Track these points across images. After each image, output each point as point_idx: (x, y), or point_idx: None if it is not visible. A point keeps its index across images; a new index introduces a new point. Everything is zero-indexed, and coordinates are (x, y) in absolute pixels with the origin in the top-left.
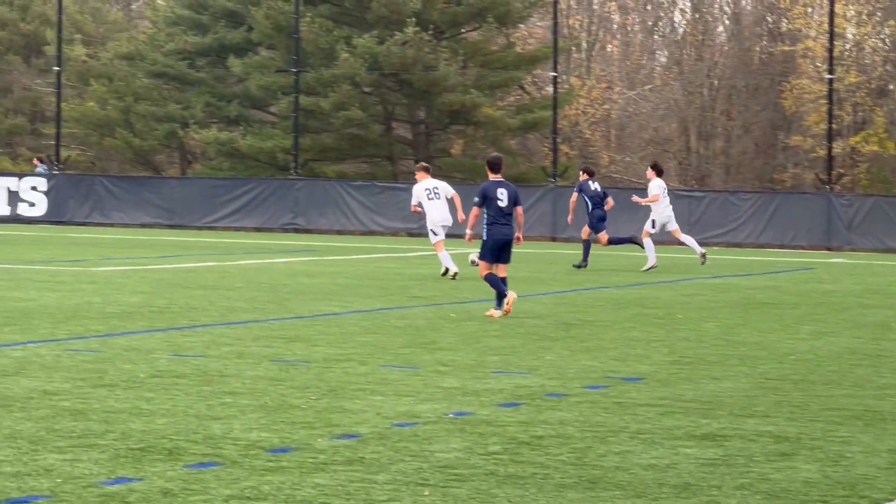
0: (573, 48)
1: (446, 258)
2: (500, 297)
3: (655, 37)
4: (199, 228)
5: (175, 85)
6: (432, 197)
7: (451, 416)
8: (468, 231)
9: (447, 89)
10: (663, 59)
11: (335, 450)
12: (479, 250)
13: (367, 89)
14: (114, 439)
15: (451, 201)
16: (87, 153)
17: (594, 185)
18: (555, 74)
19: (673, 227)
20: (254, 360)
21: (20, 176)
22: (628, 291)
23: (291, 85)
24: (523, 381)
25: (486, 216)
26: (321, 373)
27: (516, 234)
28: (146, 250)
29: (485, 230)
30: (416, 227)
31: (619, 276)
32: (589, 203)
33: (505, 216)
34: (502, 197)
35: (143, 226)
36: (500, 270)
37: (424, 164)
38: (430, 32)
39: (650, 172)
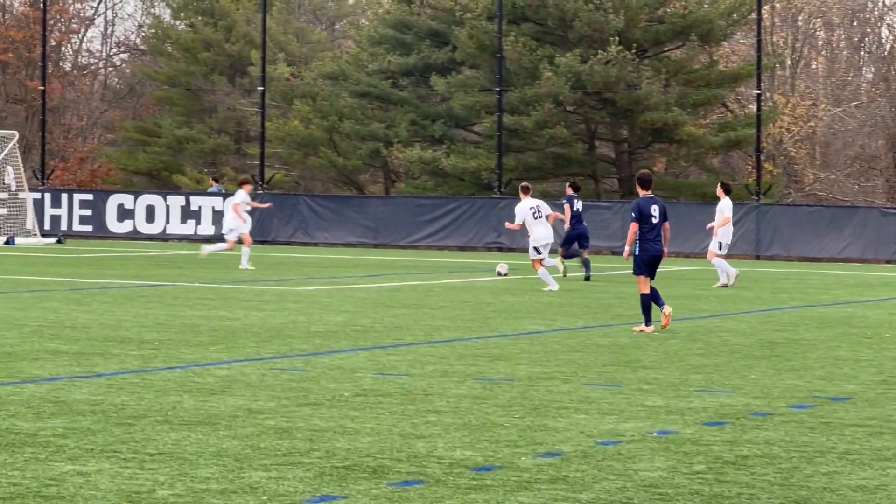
0: (777, 65)
1: (545, 276)
2: (648, 319)
3: (862, 53)
4: (403, 247)
5: (378, 104)
6: (537, 216)
7: (655, 434)
8: (627, 248)
9: (650, 107)
10: (870, 76)
11: (539, 468)
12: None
13: (569, 108)
14: (318, 457)
15: (546, 219)
16: (291, 173)
17: (578, 203)
18: (758, 92)
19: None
20: (458, 379)
21: (224, 195)
22: (834, 310)
23: (495, 104)
24: (727, 399)
25: (637, 232)
26: (525, 391)
27: (664, 250)
28: (350, 269)
29: (637, 246)
30: (619, 246)
31: (825, 294)
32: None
33: (657, 233)
34: (655, 214)
35: (347, 245)
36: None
37: (526, 184)
38: (633, 51)
39: (719, 191)
